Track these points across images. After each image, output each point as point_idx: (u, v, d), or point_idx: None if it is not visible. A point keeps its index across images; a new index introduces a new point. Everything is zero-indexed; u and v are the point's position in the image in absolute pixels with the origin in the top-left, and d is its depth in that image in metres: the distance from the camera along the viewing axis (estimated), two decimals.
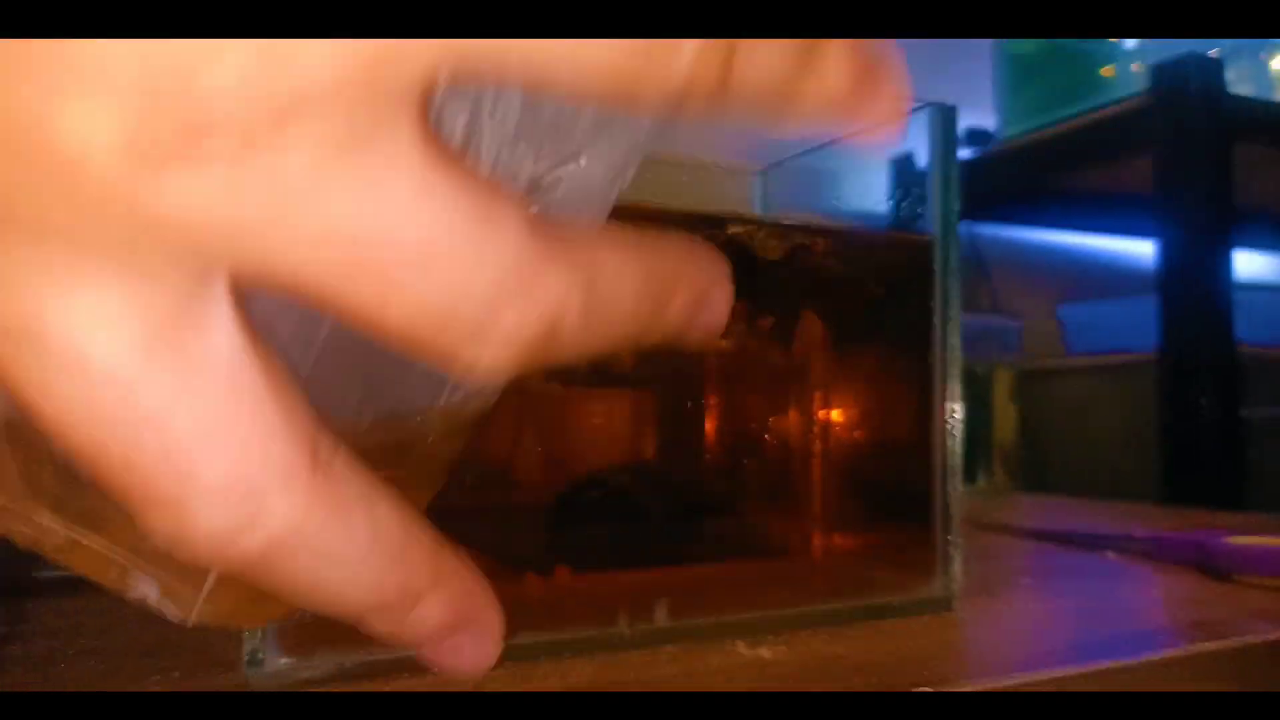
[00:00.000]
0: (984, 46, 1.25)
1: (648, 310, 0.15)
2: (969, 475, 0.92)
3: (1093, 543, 0.60)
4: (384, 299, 0.11)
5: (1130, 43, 1.10)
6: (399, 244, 0.11)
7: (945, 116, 0.42)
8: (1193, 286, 0.91)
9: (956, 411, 0.42)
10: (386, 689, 0.31)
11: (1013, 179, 1.17)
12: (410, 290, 0.11)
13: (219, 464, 0.11)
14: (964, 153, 1.19)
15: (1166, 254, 0.94)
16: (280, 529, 0.12)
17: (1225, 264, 0.92)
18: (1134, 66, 1.07)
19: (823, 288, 0.41)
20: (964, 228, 0.42)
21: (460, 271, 0.11)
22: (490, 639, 0.16)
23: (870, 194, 0.44)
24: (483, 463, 0.37)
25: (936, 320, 0.42)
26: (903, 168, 0.44)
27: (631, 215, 0.40)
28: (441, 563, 0.15)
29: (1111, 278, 1.39)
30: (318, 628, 0.32)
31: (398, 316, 0.11)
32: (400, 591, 0.15)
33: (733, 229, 0.39)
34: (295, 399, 0.12)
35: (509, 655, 0.34)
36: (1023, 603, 0.44)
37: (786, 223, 0.40)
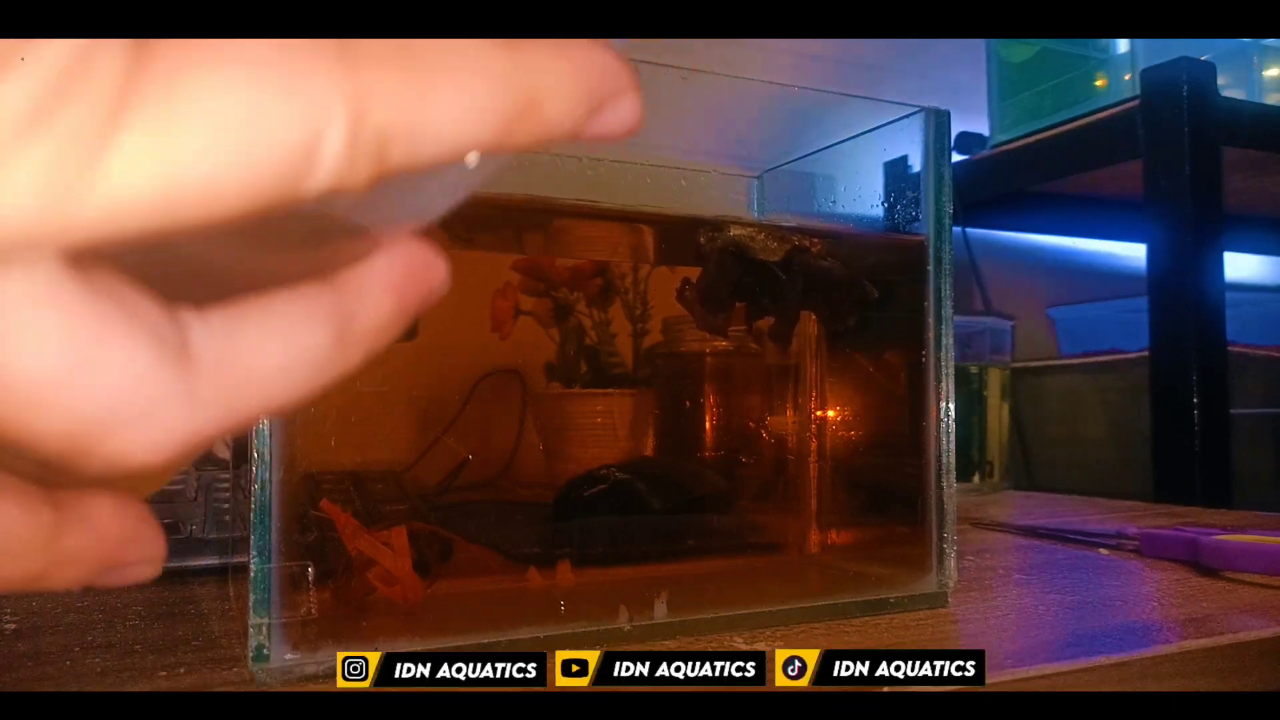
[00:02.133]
0: (978, 52, 1.25)
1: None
2: (962, 473, 0.93)
3: (1084, 539, 0.60)
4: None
5: (1122, 49, 1.11)
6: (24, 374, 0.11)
7: (939, 121, 0.43)
8: (1183, 288, 0.92)
9: (950, 410, 0.43)
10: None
11: (1005, 183, 1.18)
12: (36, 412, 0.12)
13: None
14: (957, 157, 1.20)
15: (1157, 256, 0.95)
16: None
17: (1214, 266, 0.93)
18: (1125, 76, 1.08)
19: (819, 289, 0.42)
20: (957, 230, 0.43)
21: (82, 395, 0.12)
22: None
23: (865, 197, 0.45)
24: (486, 461, 0.38)
25: (930, 321, 0.43)
26: (897, 171, 0.44)
27: (632, 218, 0.40)
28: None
29: (1102, 280, 1.40)
30: (322, 625, 0.32)
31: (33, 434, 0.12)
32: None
33: (732, 231, 0.39)
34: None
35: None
36: (1016, 598, 0.45)
37: (784, 225, 0.41)
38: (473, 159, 0.14)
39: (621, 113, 0.15)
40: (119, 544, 0.15)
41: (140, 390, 0.12)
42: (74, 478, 0.14)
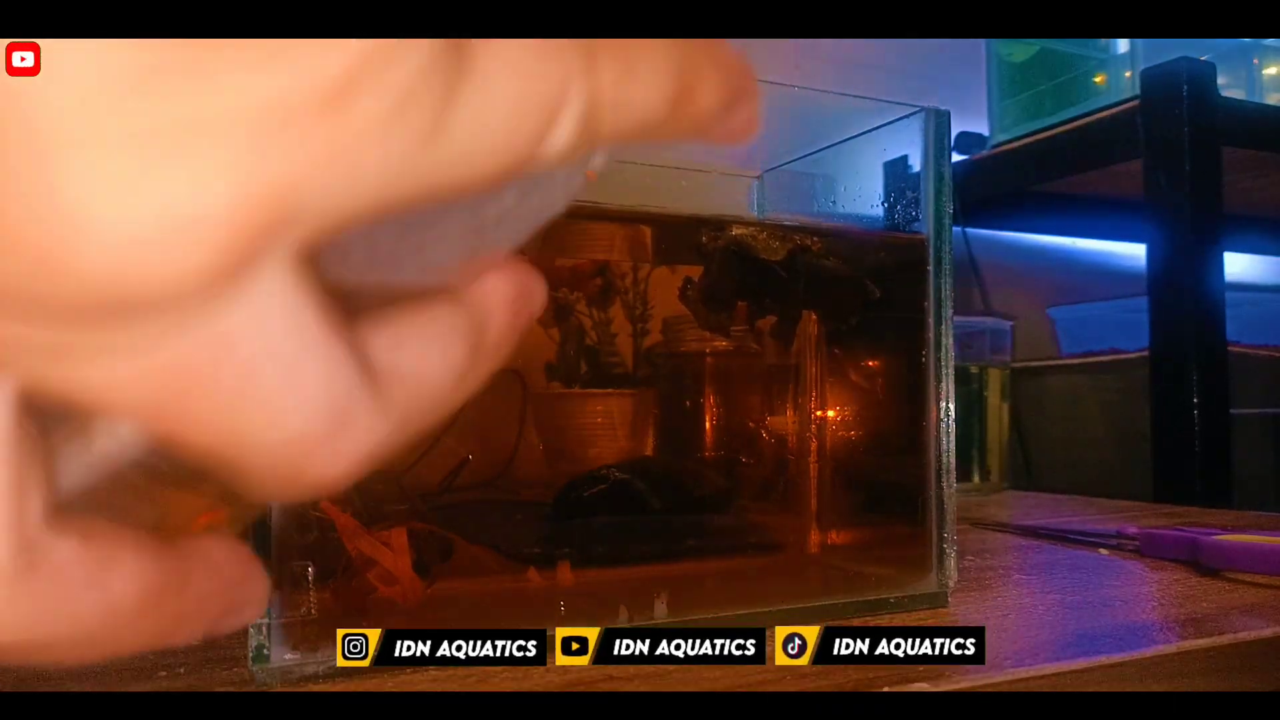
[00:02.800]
0: (978, 52, 1.25)
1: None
2: (962, 473, 0.93)
3: (1084, 539, 0.60)
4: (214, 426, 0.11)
5: (1122, 49, 1.11)
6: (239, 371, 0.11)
7: (939, 121, 0.43)
8: (1183, 288, 0.92)
9: (950, 410, 0.43)
10: (389, 685, 0.32)
11: (1005, 182, 1.18)
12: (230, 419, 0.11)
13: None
14: (957, 157, 1.20)
15: (1157, 256, 0.95)
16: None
17: (1214, 266, 0.93)
18: (1126, 76, 1.08)
19: (820, 289, 0.42)
20: (957, 230, 0.43)
21: (290, 402, 0.11)
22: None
23: (865, 197, 0.45)
24: (486, 461, 0.38)
25: (930, 320, 0.43)
26: (897, 171, 0.44)
27: (632, 218, 0.40)
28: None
29: (1102, 280, 1.40)
30: (322, 625, 0.32)
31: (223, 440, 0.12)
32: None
33: (734, 231, 0.39)
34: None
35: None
36: (1015, 598, 0.45)
37: (786, 225, 0.41)
38: (597, 163, 0.14)
39: (746, 116, 0.15)
40: (237, 586, 0.14)
41: (343, 402, 0.12)
42: (184, 520, 0.14)
